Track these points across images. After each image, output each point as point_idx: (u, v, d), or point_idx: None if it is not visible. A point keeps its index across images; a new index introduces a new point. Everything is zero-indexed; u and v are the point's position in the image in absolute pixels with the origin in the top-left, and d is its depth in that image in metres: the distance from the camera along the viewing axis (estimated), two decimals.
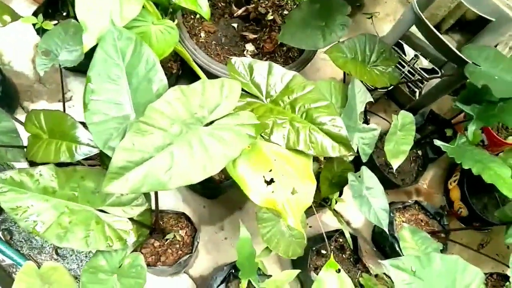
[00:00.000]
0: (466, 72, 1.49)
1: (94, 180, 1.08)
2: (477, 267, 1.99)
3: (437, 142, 1.59)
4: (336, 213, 1.88)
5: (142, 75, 1.02)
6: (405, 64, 2.25)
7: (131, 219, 1.30)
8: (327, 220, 1.96)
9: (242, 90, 1.24)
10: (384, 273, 1.64)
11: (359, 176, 1.48)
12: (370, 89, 1.99)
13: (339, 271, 1.12)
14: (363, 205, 1.44)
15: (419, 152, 2.09)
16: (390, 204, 1.98)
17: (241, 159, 1.09)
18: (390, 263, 1.11)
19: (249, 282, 1.51)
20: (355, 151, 1.44)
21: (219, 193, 1.88)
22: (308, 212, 1.78)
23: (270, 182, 1.09)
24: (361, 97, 1.43)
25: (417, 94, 2.26)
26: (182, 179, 0.96)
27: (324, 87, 1.40)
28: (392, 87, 2.13)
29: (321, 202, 1.84)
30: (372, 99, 1.46)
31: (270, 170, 1.10)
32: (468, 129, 1.60)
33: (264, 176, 1.09)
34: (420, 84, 2.29)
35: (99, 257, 1.10)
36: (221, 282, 1.56)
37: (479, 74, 1.49)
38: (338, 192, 1.81)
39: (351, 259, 1.81)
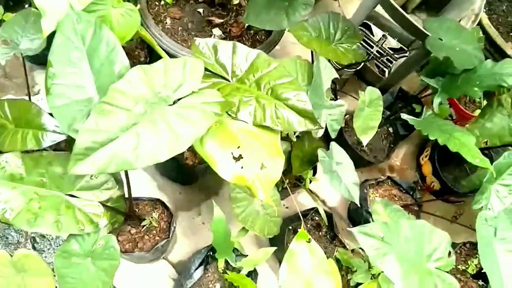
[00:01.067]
0: (428, 45, 1.53)
1: (62, 165, 1.08)
2: (451, 237, 2.06)
3: (404, 116, 1.63)
4: (311, 192, 1.92)
5: (104, 57, 1.02)
6: (373, 45, 2.28)
7: (105, 206, 1.31)
8: (303, 200, 1.99)
9: (208, 70, 1.26)
10: (360, 248, 1.68)
11: (329, 152, 1.51)
12: (338, 69, 2.02)
13: (309, 241, 1.15)
14: (334, 179, 1.47)
15: (390, 130, 2.13)
16: (364, 181, 2.02)
17: (208, 137, 1.10)
18: (359, 230, 1.14)
19: (227, 262, 1.53)
20: (323, 127, 1.47)
21: (194, 179, 1.89)
22: (284, 193, 1.82)
23: (238, 158, 1.11)
24: (327, 74, 1.45)
25: (387, 73, 2.31)
26: (149, 158, 0.97)
27: (289, 65, 1.42)
28: (361, 66, 2.18)
29: (296, 182, 1.87)
30: (337, 75, 1.49)
31: (238, 147, 1.12)
32: (433, 101, 1.64)
33: (232, 153, 1.11)
34: (389, 64, 2.33)
35: (71, 242, 1.10)
36: (200, 264, 1.57)
37: (440, 47, 1.53)
38: (312, 172, 1.85)
39: (328, 236, 1.84)
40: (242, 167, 1.11)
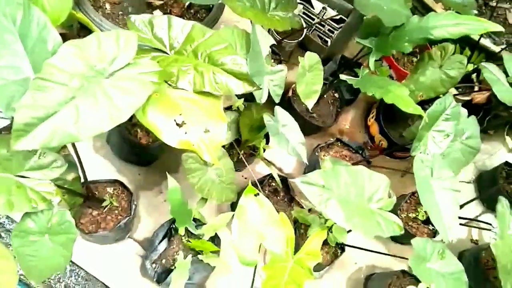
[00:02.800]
0: (356, 5, 1.61)
1: (7, 146, 1.10)
2: (401, 190, 2.18)
3: (343, 77, 1.72)
4: (267, 161, 1.99)
5: (36, 36, 1.05)
6: (314, 17, 2.36)
7: (62, 187, 1.34)
8: (260, 170, 2.06)
9: (146, 46, 1.30)
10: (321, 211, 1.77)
11: (274, 116, 1.58)
12: (280, 40, 2.09)
13: (257, 195, 1.22)
14: (282, 141, 1.55)
15: (336, 95, 2.22)
16: (316, 146, 2.11)
17: (150, 107, 1.15)
18: (301, 180, 1.22)
19: (189, 231, 1.59)
20: (261, 88, 1.52)
21: (152, 159, 1.92)
22: (241, 164, 1.89)
23: (181, 124, 1.17)
24: (264, 41, 1.51)
25: (329, 43, 2.39)
26: (92, 130, 1.01)
27: (226, 34, 1.47)
28: (302, 37, 2.26)
29: (251, 152, 1.94)
30: (274, 42, 1.55)
31: (180, 114, 1.17)
32: (369, 61, 1.73)
33: (175, 120, 1.16)
34: (331, 34, 2.41)
35: (26, 220, 1.13)
36: (163, 237, 1.63)
37: (368, 6, 1.62)
38: (265, 140, 1.92)
39: (285, 200, 1.93)
40: (186, 133, 1.16)
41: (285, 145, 1.55)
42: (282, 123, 1.57)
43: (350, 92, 2.26)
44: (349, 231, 1.64)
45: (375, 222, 1.27)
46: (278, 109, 1.58)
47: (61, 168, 1.18)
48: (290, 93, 2.10)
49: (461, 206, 1.85)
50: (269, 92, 1.56)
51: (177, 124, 1.16)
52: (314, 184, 1.23)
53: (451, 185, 1.46)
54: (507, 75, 1.75)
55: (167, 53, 1.29)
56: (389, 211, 1.33)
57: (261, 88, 1.45)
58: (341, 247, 1.84)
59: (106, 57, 1.07)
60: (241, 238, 1.16)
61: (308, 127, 2.11)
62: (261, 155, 1.87)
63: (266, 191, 1.92)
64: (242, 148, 1.89)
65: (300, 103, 2.09)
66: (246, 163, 1.81)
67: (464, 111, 1.70)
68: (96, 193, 1.63)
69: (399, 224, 1.30)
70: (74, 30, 1.78)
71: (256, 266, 1.32)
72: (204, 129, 1.19)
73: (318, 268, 1.91)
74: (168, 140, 1.14)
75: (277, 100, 1.57)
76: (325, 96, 2.16)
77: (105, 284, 1.73)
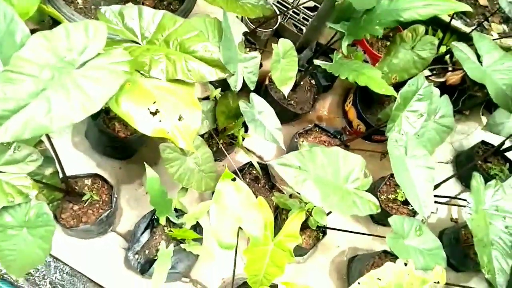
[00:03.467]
0: None
1: None
2: (380, 174, 2.22)
3: (317, 62, 1.75)
4: (247, 150, 2.01)
5: (3, 30, 1.04)
6: (289, 6, 2.38)
7: (40, 182, 1.34)
8: (240, 159, 2.08)
9: (118, 37, 1.30)
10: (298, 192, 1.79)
11: (250, 103, 1.59)
12: (254, 30, 2.09)
13: (234, 179, 1.23)
14: (258, 127, 1.57)
15: (313, 82, 2.25)
16: (295, 133, 2.13)
17: (123, 96, 1.15)
18: (277, 162, 1.24)
19: (170, 221, 1.60)
20: (233, 73, 1.54)
21: (131, 152, 1.92)
22: (221, 154, 1.90)
23: (155, 113, 1.17)
24: (236, 28, 1.53)
25: (304, 31, 2.41)
26: (64, 120, 1.01)
27: (198, 23, 1.48)
28: (277, 25, 2.27)
29: (231, 141, 1.95)
30: (246, 29, 1.57)
31: (154, 102, 1.18)
32: (342, 45, 1.76)
33: (149, 108, 1.17)
34: (306, 22, 2.43)
35: (4, 215, 1.13)
36: (146, 229, 1.63)
37: None
38: (244, 129, 1.93)
39: (267, 187, 1.95)
40: (160, 121, 1.17)
41: (262, 131, 1.57)
42: (258, 109, 1.59)
43: (326, 78, 2.29)
44: (329, 213, 1.67)
45: (351, 201, 1.30)
46: (253, 96, 1.59)
47: (37, 162, 1.18)
48: (267, 81, 2.11)
49: (438, 185, 1.89)
50: (244, 81, 1.57)
51: (151, 113, 1.17)
52: (290, 166, 1.25)
53: (425, 162, 1.49)
54: (477, 54, 1.79)
55: (139, 43, 1.30)
56: (368, 192, 1.35)
57: (233, 74, 1.46)
58: (323, 230, 1.87)
59: (76, 47, 1.07)
60: (219, 222, 1.18)
61: (286, 114, 2.13)
62: (240, 144, 1.89)
63: (247, 179, 1.94)
64: (221, 137, 1.91)
65: (277, 90, 2.11)
66: (225, 152, 1.82)
67: (437, 91, 1.74)
68: (76, 187, 1.63)
69: (374, 203, 1.34)
70: (46, 25, 1.76)
71: (236, 252, 1.34)
72: (179, 116, 1.20)
73: (301, 252, 1.94)
74: (142, 129, 1.15)
75: (252, 87, 1.58)
76: (302, 83, 2.19)
77: (90, 279, 1.73)
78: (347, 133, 2.30)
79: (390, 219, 1.47)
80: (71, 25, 1.08)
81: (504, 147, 2.34)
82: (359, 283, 1.27)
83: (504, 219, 1.57)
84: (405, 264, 1.32)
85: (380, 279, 1.27)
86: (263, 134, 1.57)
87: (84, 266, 1.72)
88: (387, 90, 1.55)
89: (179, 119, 1.20)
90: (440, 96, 1.79)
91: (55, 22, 1.74)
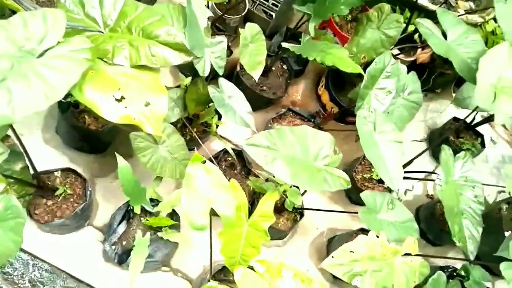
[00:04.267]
0: None
1: None
2: (356, 155, 2.24)
3: (285, 44, 1.76)
4: (219, 136, 2.01)
5: None
6: None
7: (9, 177, 1.33)
8: (216, 147, 2.08)
9: (79, 26, 1.29)
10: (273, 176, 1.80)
11: (219, 88, 1.60)
12: (223, 16, 2.09)
13: (204, 162, 1.23)
14: (228, 112, 1.57)
15: (284, 67, 2.26)
16: (270, 118, 2.15)
17: (86, 85, 1.15)
18: (246, 142, 1.25)
19: (146, 210, 1.60)
20: (197, 56, 1.53)
21: (105, 145, 1.91)
22: (195, 142, 1.90)
23: (120, 99, 1.17)
24: (201, 13, 1.52)
25: (274, 17, 2.42)
26: (27, 110, 1.00)
27: (161, 9, 1.47)
28: (245, 12, 2.27)
29: (205, 129, 1.95)
30: (212, 14, 1.57)
31: (119, 89, 1.18)
32: (309, 26, 1.77)
33: (114, 96, 1.17)
34: (275, 8, 2.44)
35: None
36: (122, 220, 1.63)
37: None
38: (217, 116, 1.94)
39: (243, 172, 1.96)
40: (126, 107, 1.17)
41: (232, 116, 1.57)
42: (228, 94, 1.59)
43: (298, 63, 2.30)
44: (304, 193, 1.69)
45: (321, 178, 1.32)
46: (222, 81, 1.60)
47: (2, 156, 1.17)
48: (238, 68, 2.11)
49: (411, 161, 1.93)
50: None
51: (116, 100, 1.17)
52: (259, 145, 1.26)
53: (394, 137, 1.52)
54: (442, 30, 1.82)
55: (101, 32, 1.29)
56: (344, 172, 1.37)
57: (198, 57, 1.46)
58: (300, 212, 1.89)
59: (34, 36, 1.06)
60: (190, 204, 1.18)
61: (259, 100, 2.14)
62: (214, 131, 1.89)
63: (223, 166, 1.94)
64: (195, 126, 1.91)
65: (249, 77, 2.11)
66: (199, 140, 1.82)
67: (404, 68, 1.76)
68: (48, 182, 1.61)
69: (345, 178, 1.35)
70: (6, 18, 1.73)
71: (211, 235, 1.35)
72: (145, 102, 1.20)
73: (281, 235, 1.96)
74: (108, 116, 1.15)
75: (220, 72, 1.58)
76: (273, 68, 2.19)
77: (69, 274, 1.72)
78: (322, 116, 2.32)
79: (362, 195, 1.49)
80: (27, 13, 1.07)
81: (475, 122, 2.40)
82: (332, 256, 1.29)
83: (473, 189, 1.62)
84: (377, 236, 1.34)
85: (353, 252, 1.30)
86: (234, 119, 1.57)
87: (63, 262, 1.71)
88: (354, 68, 1.57)
89: (145, 105, 1.20)
90: (408, 73, 1.82)
91: None
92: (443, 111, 2.65)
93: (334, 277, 1.94)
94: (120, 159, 1.42)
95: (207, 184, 1.22)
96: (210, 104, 1.79)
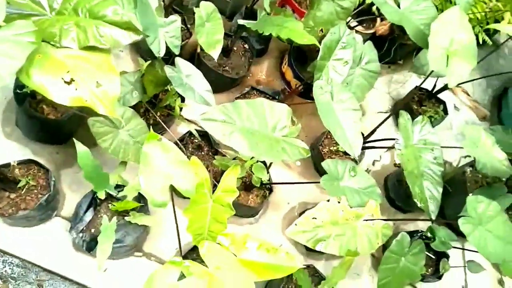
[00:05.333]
0: None
1: None
2: (323, 128, 2.26)
3: (240, 21, 1.76)
4: (184, 119, 2.01)
5: None
6: None
7: None
8: (182, 130, 2.07)
9: (24, 11, 1.26)
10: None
11: (176, 68, 1.59)
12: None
13: (160, 139, 1.24)
14: (187, 91, 1.57)
15: (246, 46, 2.26)
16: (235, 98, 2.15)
17: (34, 69, 1.13)
18: (201, 118, 1.25)
19: (113, 196, 1.60)
20: (164, 45, 1.54)
21: (67, 135, 1.88)
22: (160, 127, 1.89)
23: (70, 82, 1.16)
24: None
25: None
26: None
27: None
28: None
29: (169, 112, 1.95)
30: None
31: (68, 72, 1.17)
32: (264, 1, 1.77)
33: (63, 78, 1.16)
34: None
35: None
36: (88, 208, 1.62)
37: None
38: (180, 99, 1.93)
39: (210, 153, 1.96)
40: (76, 89, 1.16)
41: (192, 95, 1.57)
42: (185, 73, 1.59)
43: (259, 42, 2.31)
44: (270, 165, 1.71)
45: (280, 148, 1.33)
46: (179, 60, 1.59)
47: None
48: (198, 49, 2.11)
49: (374, 130, 1.96)
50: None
51: (66, 82, 1.15)
52: (215, 120, 1.26)
53: (351, 105, 1.54)
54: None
55: (48, 15, 1.27)
56: (313, 146, 1.39)
57: (148, 36, 1.45)
58: (269, 187, 1.91)
59: None
60: (148, 182, 1.19)
61: (223, 81, 2.14)
62: (177, 113, 1.89)
63: (190, 149, 1.94)
64: (158, 110, 1.90)
65: (211, 58, 2.11)
66: (163, 124, 1.82)
67: (360, 38, 1.79)
68: (10, 175, 1.59)
69: (304, 148, 1.37)
70: None
71: (175, 214, 1.35)
72: (96, 83, 1.19)
73: (252, 212, 1.98)
74: (58, 99, 1.13)
75: (176, 51, 1.58)
76: (235, 48, 2.19)
77: (41, 267, 1.71)
78: (287, 93, 2.33)
79: (323, 163, 1.52)
80: None
81: (436, 89, 2.45)
82: (296, 224, 1.31)
83: (432, 151, 1.66)
84: (338, 202, 1.37)
85: (315, 218, 1.33)
86: (193, 97, 1.57)
87: (33, 255, 1.70)
88: (309, 40, 1.58)
89: (97, 86, 1.19)
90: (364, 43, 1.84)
91: None
92: (406, 82, 2.70)
93: (308, 249, 1.98)
94: (78, 144, 1.41)
95: (164, 161, 1.23)
96: (171, 87, 1.79)
